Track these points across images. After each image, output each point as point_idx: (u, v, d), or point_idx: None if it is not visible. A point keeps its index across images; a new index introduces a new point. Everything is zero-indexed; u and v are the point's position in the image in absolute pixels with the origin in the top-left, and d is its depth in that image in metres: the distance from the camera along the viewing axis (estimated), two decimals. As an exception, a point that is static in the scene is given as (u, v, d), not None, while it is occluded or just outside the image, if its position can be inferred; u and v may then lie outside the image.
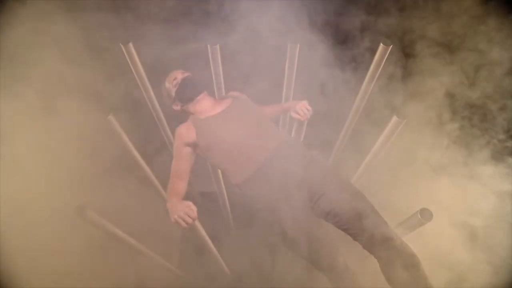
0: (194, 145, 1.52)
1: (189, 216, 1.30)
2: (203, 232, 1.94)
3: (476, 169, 1.82)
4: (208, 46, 1.72)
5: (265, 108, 1.74)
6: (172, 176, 1.53)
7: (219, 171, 2.04)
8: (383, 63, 1.66)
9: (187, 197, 2.78)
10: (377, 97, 1.86)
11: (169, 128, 2.07)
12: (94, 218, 1.42)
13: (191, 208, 1.31)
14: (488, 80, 1.93)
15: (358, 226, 1.33)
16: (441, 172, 1.90)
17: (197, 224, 1.81)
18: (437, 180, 1.88)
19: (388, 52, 1.67)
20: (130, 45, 1.66)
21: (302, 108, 1.48)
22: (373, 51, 1.60)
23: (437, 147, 1.94)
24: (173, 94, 1.62)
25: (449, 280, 1.64)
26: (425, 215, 1.36)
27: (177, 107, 1.65)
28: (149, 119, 2.00)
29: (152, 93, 1.82)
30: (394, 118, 1.53)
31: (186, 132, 1.54)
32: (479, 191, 1.78)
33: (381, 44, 1.68)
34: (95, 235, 1.52)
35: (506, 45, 1.84)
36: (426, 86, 2.02)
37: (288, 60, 1.73)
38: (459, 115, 1.98)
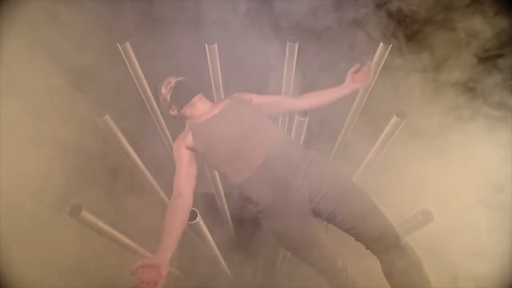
0: (192, 149, 1.49)
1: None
2: (204, 233, 1.92)
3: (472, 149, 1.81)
4: (206, 45, 1.71)
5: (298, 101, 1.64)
6: (177, 184, 1.41)
7: (216, 172, 2.02)
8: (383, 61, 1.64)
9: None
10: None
11: (168, 130, 2.06)
12: (89, 219, 1.40)
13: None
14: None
15: (361, 226, 1.30)
16: (439, 156, 1.89)
17: (198, 225, 1.79)
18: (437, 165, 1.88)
19: (388, 51, 1.66)
20: (127, 44, 1.65)
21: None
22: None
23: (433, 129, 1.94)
24: (169, 98, 1.60)
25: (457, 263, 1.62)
26: (426, 216, 1.34)
27: (173, 112, 1.63)
28: (147, 119, 1.98)
29: (149, 92, 1.80)
30: (394, 118, 1.51)
31: (183, 136, 1.52)
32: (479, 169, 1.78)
33: (381, 43, 1.67)
34: (90, 235, 1.50)
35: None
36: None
37: (287, 58, 1.72)
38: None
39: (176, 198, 1.37)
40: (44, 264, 1.66)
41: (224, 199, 2.27)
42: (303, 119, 1.40)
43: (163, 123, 2.00)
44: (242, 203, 1.54)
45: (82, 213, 1.38)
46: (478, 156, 1.83)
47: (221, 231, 2.56)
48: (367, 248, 1.34)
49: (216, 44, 1.69)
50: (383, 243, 1.28)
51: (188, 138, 1.49)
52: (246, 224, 2.61)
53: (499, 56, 1.95)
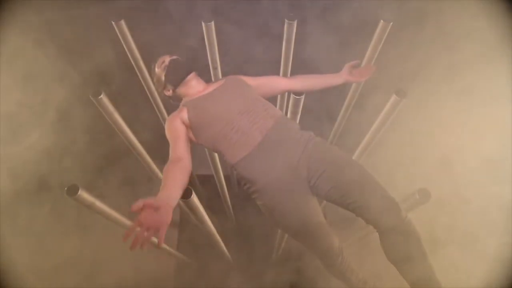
0: (187, 125, 1.48)
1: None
2: (201, 214, 1.91)
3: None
4: (203, 23, 1.67)
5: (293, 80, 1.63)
6: (176, 151, 1.36)
7: (216, 154, 2.01)
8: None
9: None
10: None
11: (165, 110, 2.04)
12: (86, 198, 1.40)
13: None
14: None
15: (361, 200, 1.29)
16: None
17: (197, 206, 1.78)
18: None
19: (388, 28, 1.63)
20: (122, 22, 1.62)
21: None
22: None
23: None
24: (163, 78, 1.58)
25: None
26: (424, 195, 1.34)
27: (168, 92, 1.61)
28: (143, 99, 1.96)
29: (146, 73, 1.78)
30: (394, 97, 1.49)
31: (177, 113, 1.50)
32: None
33: (381, 21, 1.63)
34: (87, 216, 1.50)
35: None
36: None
37: (285, 37, 1.69)
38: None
39: (177, 162, 1.31)
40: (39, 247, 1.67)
41: (223, 181, 2.27)
42: (298, 97, 1.37)
43: (160, 103, 1.99)
44: (240, 184, 1.53)
45: (79, 192, 1.38)
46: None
47: (222, 214, 2.57)
48: (367, 223, 1.33)
49: (213, 22, 1.66)
50: (384, 215, 1.26)
51: (183, 114, 1.47)
52: (245, 206, 2.62)
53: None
